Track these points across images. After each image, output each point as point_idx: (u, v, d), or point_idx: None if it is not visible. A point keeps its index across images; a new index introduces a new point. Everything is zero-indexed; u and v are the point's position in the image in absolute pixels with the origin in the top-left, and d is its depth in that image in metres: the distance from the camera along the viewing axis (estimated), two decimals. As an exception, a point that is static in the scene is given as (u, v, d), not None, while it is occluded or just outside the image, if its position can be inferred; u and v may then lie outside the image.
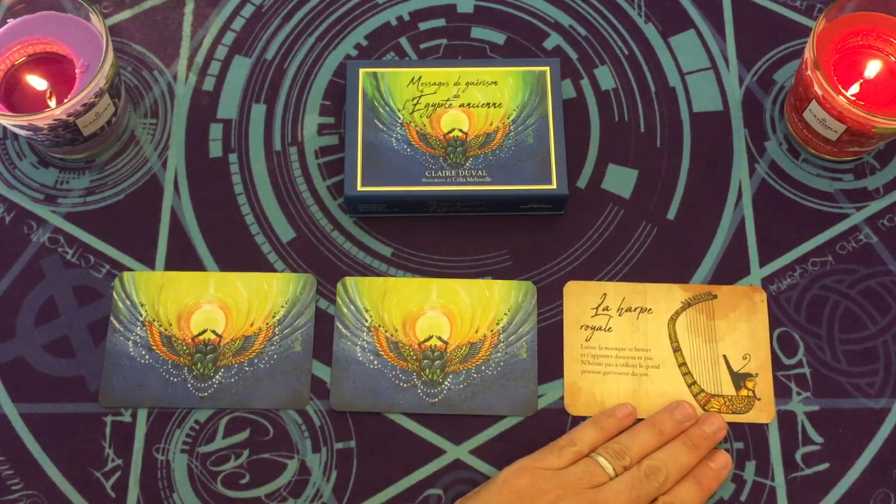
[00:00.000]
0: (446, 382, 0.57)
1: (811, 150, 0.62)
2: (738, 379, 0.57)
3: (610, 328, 0.58)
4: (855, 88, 0.59)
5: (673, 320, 0.58)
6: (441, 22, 0.67)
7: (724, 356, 0.58)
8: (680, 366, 0.57)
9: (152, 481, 0.55)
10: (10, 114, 0.58)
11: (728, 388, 0.57)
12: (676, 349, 0.58)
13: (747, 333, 0.58)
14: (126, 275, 0.60)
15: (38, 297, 0.59)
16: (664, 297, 0.59)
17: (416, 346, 0.58)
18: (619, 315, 0.59)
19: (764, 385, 0.57)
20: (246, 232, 0.61)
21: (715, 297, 0.59)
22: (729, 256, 0.60)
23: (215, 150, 0.63)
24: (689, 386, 0.57)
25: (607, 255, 0.60)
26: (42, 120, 0.56)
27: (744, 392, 0.57)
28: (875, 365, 0.58)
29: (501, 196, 0.59)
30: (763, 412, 0.56)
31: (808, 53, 0.57)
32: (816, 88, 0.57)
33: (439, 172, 0.59)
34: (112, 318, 0.59)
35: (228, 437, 0.56)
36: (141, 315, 0.59)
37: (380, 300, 0.59)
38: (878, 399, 0.57)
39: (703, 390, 0.57)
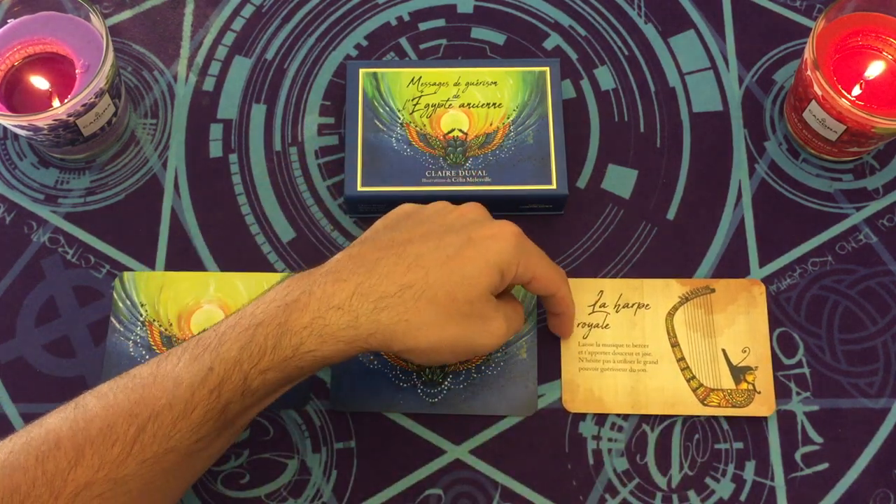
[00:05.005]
0: (446, 382, 0.57)
1: (811, 150, 0.62)
2: (738, 372, 0.57)
3: (607, 325, 0.58)
4: (855, 89, 0.59)
5: (671, 315, 0.58)
6: (441, 22, 0.67)
7: (723, 350, 0.58)
8: (678, 361, 0.57)
9: (152, 481, 0.55)
10: (10, 114, 0.58)
11: (727, 382, 0.57)
12: (675, 344, 0.58)
13: (746, 327, 0.58)
14: (126, 275, 0.60)
15: (39, 297, 0.59)
16: (661, 292, 0.59)
17: (416, 346, 0.58)
18: (617, 311, 0.59)
19: (763, 378, 0.57)
20: (246, 232, 0.61)
21: (713, 290, 0.59)
22: (729, 256, 0.60)
23: (215, 150, 0.63)
24: (689, 381, 0.57)
25: (607, 255, 0.60)
26: (42, 120, 0.56)
27: (743, 385, 0.57)
28: (875, 365, 0.58)
29: (501, 196, 0.59)
30: (763, 405, 0.56)
31: (808, 54, 0.57)
32: (816, 89, 0.57)
33: (439, 173, 0.59)
34: (112, 319, 0.59)
35: (228, 437, 0.56)
36: (141, 315, 0.59)
37: (380, 300, 0.59)
38: (878, 399, 0.57)
39: (702, 385, 0.57)
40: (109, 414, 0.44)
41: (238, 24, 0.67)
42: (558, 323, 0.57)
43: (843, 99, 0.55)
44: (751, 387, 0.57)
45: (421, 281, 0.47)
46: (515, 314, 0.53)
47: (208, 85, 0.65)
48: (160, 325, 0.58)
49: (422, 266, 0.48)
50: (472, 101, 0.61)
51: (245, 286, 0.59)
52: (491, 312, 0.50)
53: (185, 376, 0.45)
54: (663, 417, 0.57)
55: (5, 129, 0.64)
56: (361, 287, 0.47)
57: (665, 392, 0.57)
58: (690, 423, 0.56)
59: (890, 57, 0.59)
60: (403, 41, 0.66)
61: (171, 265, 0.60)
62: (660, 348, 0.58)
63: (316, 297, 0.46)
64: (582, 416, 0.57)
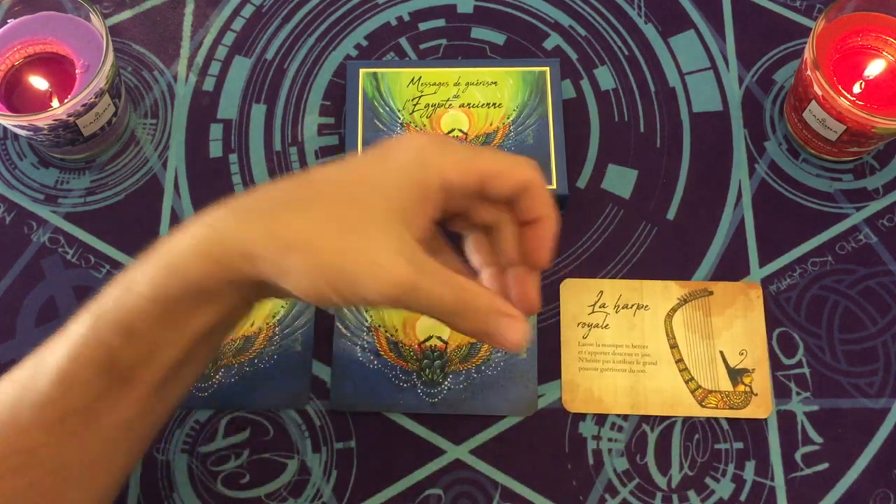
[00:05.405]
0: (446, 382, 0.57)
1: (811, 150, 0.62)
2: (735, 374, 0.57)
3: (607, 325, 0.58)
4: (855, 89, 0.59)
5: (669, 317, 0.58)
6: (441, 22, 0.67)
7: (721, 352, 0.58)
8: (677, 362, 0.57)
9: (152, 481, 0.56)
10: (10, 114, 0.58)
11: (725, 384, 0.57)
12: (673, 345, 0.58)
13: (743, 329, 0.58)
14: (126, 275, 0.59)
15: (39, 298, 0.59)
16: (661, 293, 0.59)
17: (416, 346, 0.58)
18: (616, 312, 0.59)
19: (761, 380, 0.57)
20: (246, 232, 0.61)
21: (711, 293, 0.59)
22: (729, 256, 0.60)
23: (215, 150, 0.63)
24: (687, 382, 0.57)
25: (607, 255, 0.60)
26: (42, 120, 0.56)
27: (741, 388, 0.57)
28: (875, 365, 0.58)
29: (501, 196, 0.59)
30: (760, 407, 0.56)
31: (808, 53, 0.57)
32: (816, 89, 0.57)
33: (439, 172, 0.59)
34: (112, 318, 0.58)
35: (228, 437, 0.56)
36: (141, 315, 0.59)
37: (380, 300, 0.59)
38: (878, 399, 0.57)
39: (700, 386, 0.57)
40: (21, 387, 0.42)
41: (238, 24, 0.67)
42: (536, 237, 0.44)
43: (843, 99, 0.55)
44: (748, 389, 0.57)
45: (299, 191, 0.40)
46: (442, 275, 0.40)
47: (208, 85, 0.65)
48: (160, 325, 0.58)
49: (307, 179, 0.41)
50: (472, 101, 0.61)
51: (245, 286, 0.59)
52: (384, 243, 0.38)
53: (73, 329, 0.42)
54: (663, 417, 0.57)
55: (5, 129, 0.64)
56: (232, 204, 0.41)
57: (664, 393, 0.57)
58: (690, 423, 0.56)
59: (890, 57, 0.59)
60: (403, 41, 0.66)
61: (171, 265, 0.60)
62: (659, 349, 0.58)
63: (188, 220, 0.41)
64: (582, 416, 0.57)
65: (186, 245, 0.40)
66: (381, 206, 0.39)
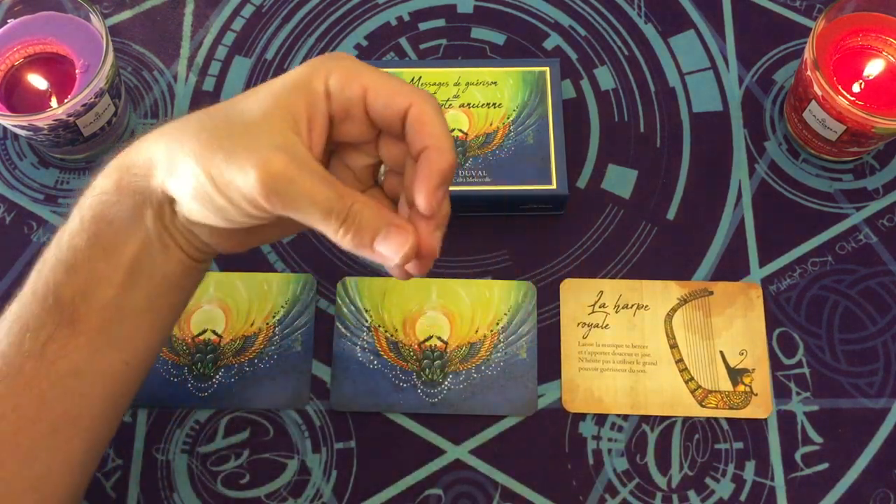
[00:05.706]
0: (446, 382, 0.57)
1: (811, 150, 0.62)
2: (735, 374, 0.57)
3: (607, 325, 0.58)
4: (855, 89, 0.59)
5: (669, 317, 0.58)
6: (441, 22, 0.67)
7: (721, 352, 0.58)
8: (677, 362, 0.57)
9: (152, 481, 0.56)
10: (10, 114, 0.58)
11: (725, 384, 0.57)
12: (673, 345, 0.58)
13: (743, 329, 0.58)
14: (126, 275, 0.59)
15: (39, 297, 0.59)
16: (660, 293, 0.59)
17: (416, 346, 0.58)
18: (616, 312, 0.59)
19: (761, 380, 0.57)
20: (246, 232, 0.61)
21: (711, 293, 0.59)
22: (729, 256, 0.60)
23: (215, 150, 0.63)
24: (687, 382, 0.57)
25: (607, 255, 0.60)
26: (42, 120, 0.56)
27: (741, 388, 0.57)
28: (875, 365, 0.58)
29: (501, 196, 0.59)
30: (760, 407, 0.56)
31: (808, 53, 0.57)
32: (816, 89, 0.57)
33: (439, 172, 0.59)
34: (112, 318, 0.58)
35: (228, 437, 0.56)
36: (141, 315, 0.59)
37: (380, 300, 0.59)
38: (878, 399, 0.57)
39: (700, 386, 0.57)
40: None
41: (238, 24, 0.67)
42: (418, 170, 0.40)
43: (843, 99, 0.55)
44: (748, 389, 0.57)
45: (208, 109, 0.42)
46: (325, 176, 0.39)
47: (208, 85, 0.65)
48: (160, 325, 0.58)
49: (220, 103, 0.42)
50: (472, 101, 0.61)
51: (245, 286, 0.59)
52: (265, 137, 0.38)
53: (25, 281, 0.43)
54: (663, 417, 0.57)
55: (5, 129, 0.64)
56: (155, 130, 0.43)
57: (664, 393, 0.57)
58: (690, 423, 0.56)
59: (890, 57, 0.59)
60: (403, 41, 0.66)
61: (171, 265, 0.60)
62: (659, 349, 0.58)
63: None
64: (582, 416, 0.57)
65: (106, 168, 0.43)
66: (269, 109, 0.39)
